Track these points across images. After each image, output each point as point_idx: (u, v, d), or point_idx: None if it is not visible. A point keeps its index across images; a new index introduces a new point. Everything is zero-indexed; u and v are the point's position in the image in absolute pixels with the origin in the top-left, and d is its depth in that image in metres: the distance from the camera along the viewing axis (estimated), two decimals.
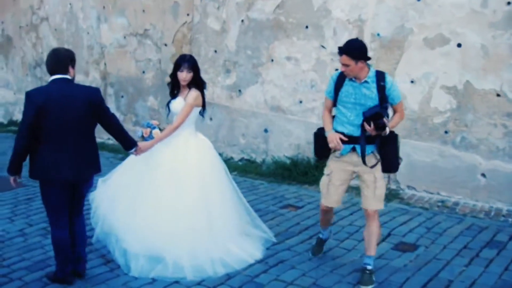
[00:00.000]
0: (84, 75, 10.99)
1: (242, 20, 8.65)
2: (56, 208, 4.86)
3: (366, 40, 7.61)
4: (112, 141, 10.25)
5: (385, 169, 4.99)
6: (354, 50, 4.72)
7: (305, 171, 8.12)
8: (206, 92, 5.73)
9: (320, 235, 5.51)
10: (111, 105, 10.45)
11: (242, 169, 8.60)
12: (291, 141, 8.41)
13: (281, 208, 6.94)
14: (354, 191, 7.60)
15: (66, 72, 4.72)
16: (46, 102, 4.55)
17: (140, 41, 10.07)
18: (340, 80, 4.90)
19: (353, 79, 4.80)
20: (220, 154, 8.97)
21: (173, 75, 5.60)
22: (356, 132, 4.80)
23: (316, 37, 8.00)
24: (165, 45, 9.62)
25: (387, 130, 4.71)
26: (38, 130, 4.58)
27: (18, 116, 12.96)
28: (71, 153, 4.69)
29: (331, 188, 5.06)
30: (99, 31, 10.74)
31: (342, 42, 7.74)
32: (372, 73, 4.82)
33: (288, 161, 8.39)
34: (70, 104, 4.62)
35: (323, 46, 7.95)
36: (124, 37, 10.30)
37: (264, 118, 8.57)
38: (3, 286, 4.94)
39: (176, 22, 9.49)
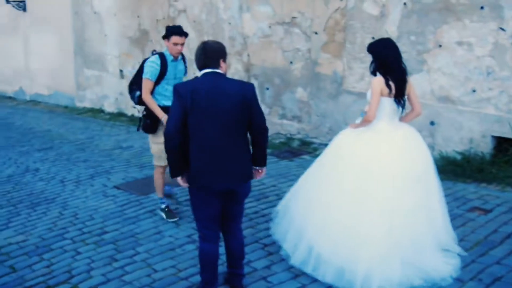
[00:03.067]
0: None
1: (405, 3, 7.93)
2: (204, 218, 4.40)
3: None
4: (277, 140, 9.88)
5: None
6: (186, 33, 6.17)
7: (480, 168, 7.33)
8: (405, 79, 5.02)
9: (164, 205, 6.53)
10: None
11: None
12: (463, 135, 7.63)
13: (467, 211, 6.22)
14: (509, 187, 6.78)
15: (217, 66, 4.28)
16: (194, 96, 4.09)
17: (287, 30, 9.56)
18: (163, 62, 6.12)
19: (173, 58, 6.17)
20: None
21: None
22: None
23: (494, 18, 7.16)
24: (316, 33, 9.06)
25: None
26: (187, 127, 4.16)
27: None
28: (220, 154, 4.19)
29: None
30: (241, 21, 10.34)
31: None
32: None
33: (458, 157, 7.63)
34: (221, 98, 4.14)
35: (502, 29, 7.11)
36: (269, 26, 9.83)
37: (430, 110, 7.82)
38: None
39: (328, 8, 8.88)
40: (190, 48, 11.04)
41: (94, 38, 14.33)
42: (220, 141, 4.19)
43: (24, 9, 16.63)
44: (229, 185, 4.29)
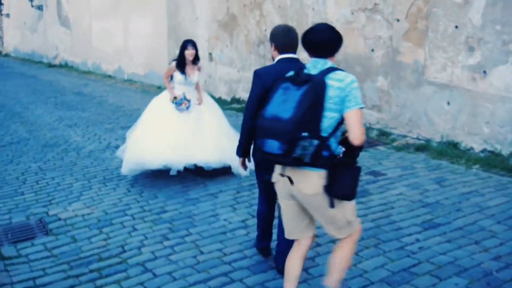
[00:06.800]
0: None
1: None
2: (260, 186, 4.83)
3: None
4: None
5: None
6: None
7: None
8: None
9: None
10: None
11: (485, 163, 7.49)
12: None
13: None
14: None
15: (295, 51, 4.40)
16: (276, 79, 4.05)
17: (369, 17, 9.30)
18: None
19: None
20: (458, 143, 8.02)
21: None
22: None
23: None
24: (398, 20, 8.76)
25: None
26: None
27: (241, 94, 12.97)
28: None
29: None
30: (324, 7, 10.17)
31: None
32: None
33: None
34: None
35: None
36: (352, 13, 9.60)
37: None
38: (226, 286, 4.64)
39: None
40: None
41: (186, 20, 14.59)
42: None
43: None
44: None
